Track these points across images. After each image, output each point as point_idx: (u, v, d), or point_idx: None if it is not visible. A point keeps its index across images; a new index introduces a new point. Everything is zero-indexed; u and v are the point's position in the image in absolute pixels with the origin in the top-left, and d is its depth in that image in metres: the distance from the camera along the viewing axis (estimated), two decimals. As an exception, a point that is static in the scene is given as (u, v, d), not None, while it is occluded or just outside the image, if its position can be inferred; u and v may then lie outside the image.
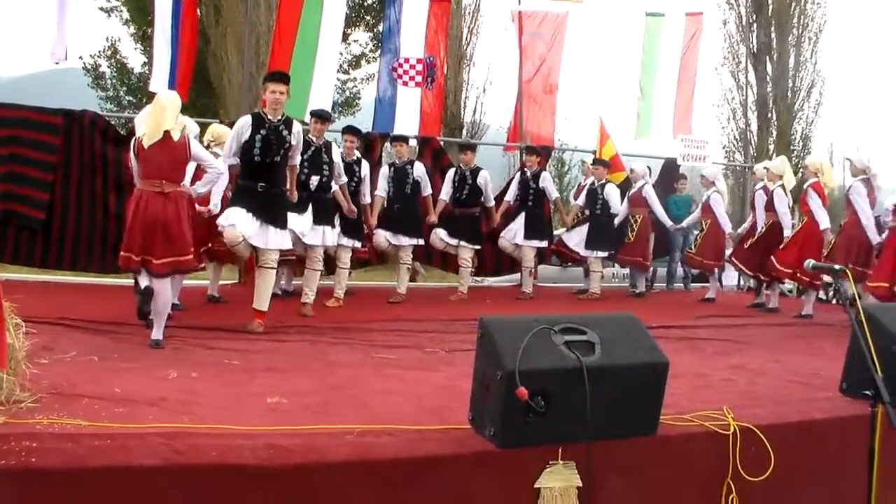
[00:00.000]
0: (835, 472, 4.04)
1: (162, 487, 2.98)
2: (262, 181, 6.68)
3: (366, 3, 24.36)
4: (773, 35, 23.61)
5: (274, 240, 6.77)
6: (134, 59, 23.96)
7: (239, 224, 6.50)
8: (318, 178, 7.67)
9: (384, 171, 9.29)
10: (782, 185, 9.44)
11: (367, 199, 8.88)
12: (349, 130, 8.95)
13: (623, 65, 13.72)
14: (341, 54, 21.87)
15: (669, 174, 12.01)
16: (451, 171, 9.89)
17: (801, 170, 9.79)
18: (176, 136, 5.85)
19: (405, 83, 11.61)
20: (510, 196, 10.25)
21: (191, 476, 3.01)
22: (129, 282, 7.64)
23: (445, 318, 7.91)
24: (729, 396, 4.45)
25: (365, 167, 8.77)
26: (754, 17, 23.54)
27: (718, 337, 7.37)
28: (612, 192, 10.20)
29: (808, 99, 24.07)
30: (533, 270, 10.53)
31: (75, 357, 4.94)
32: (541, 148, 11.95)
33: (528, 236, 9.99)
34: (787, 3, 23.36)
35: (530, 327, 3.37)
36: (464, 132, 22.41)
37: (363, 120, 13.67)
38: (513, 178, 10.74)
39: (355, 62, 25.41)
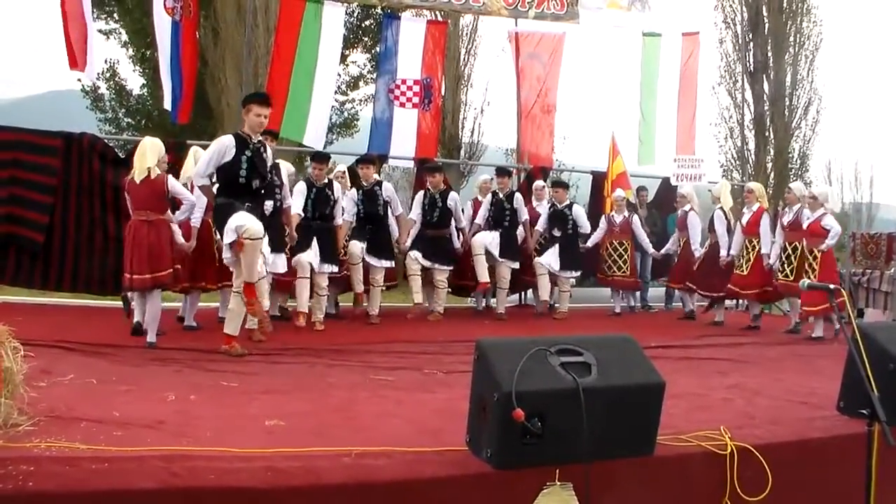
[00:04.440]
0: (832, 490, 4.04)
1: (160, 511, 2.98)
2: (246, 201, 6.59)
3: (364, 25, 24.45)
4: (769, 53, 23.70)
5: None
6: (133, 80, 24.05)
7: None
8: (271, 202, 7.44)
9: (352, 194, 9.17)
10: (721, 208, 10.17)
11: (339, 221, 8.76)
12: (316, 157, 8.82)
13: (622, 84, 13.72)
14: (339, 76, 21.93)
15: (668, 193, 12.03)
16: (420, 194, 9.83)
17: (786, 191, 9.96)
18: (154, 175, 6.99)
19: (402, 104, 11.66)
20: (480, 219, 10.19)
21: (189, 499, 3.01)
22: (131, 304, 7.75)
23: (443, 339, 7.91)
24: (726, 416, 4.46)
25: (337, 189, 8.68)
26: (751, 35, 23.62)
27: (717, 356, 7.37)
28: (580, 213, 10.29)
29: (806, 117, 24.17)
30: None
31: (73, 380, 4.94)
32: (539, 168, 12.03)
33: (503, 255, 9.97)
34: (783, 22, 23.48)
35: (527, 349, 3.38)
36: (462, 153, 22.43)
37: (361, 141, 13.72)
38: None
39: (353, 83, 25.45)
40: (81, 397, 4.40)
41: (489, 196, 10.29)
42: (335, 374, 5.91)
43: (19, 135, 9.46)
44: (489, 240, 9.95)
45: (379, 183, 9.30)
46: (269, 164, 6.89)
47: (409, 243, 9.60)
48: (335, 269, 8.71)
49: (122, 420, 3.84)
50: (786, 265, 9.17)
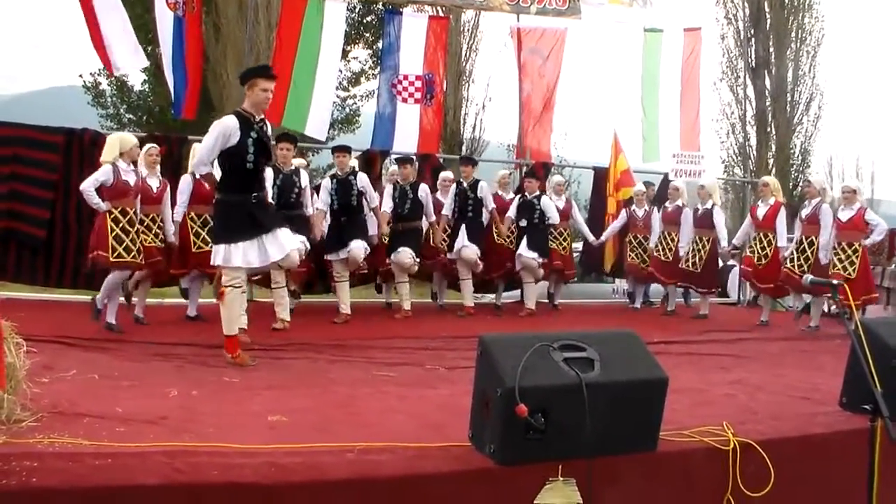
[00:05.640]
0: (835, 486, 4.04)
1: (163, 506, 2.98)
2: (253, 191, 6.00)
3: (365, 21, 24.41)
4: (771, 49, 23.70)
5: (273, 251, 6.06)
6: (134, 76, 23.89)
7: (244, 268, 5.97)
8: None
9: (325, 183, 8.91)
10: (714, 204, 10.30)
11: (310, 211, 8.57)
12: (284, 139, 8.52)
13: (624, 81, 13.70)
14: (341, 71, 21.89)
15: (668, 189, 11.99)
16: (390, 187, 9.65)
17: (801, 186, 9.99)
18: None
19: (404, 100, 11.66)
20: (447, 210, 10.03)
21: (192, 495, 3.01)
22: (132, 299, 7.92)
23: (446, 334, 7.91)
24: (729, 412, 4.45)
25: (304, 177, 8.52)
26: (752, 31, 23.63)
27: (719, 352, 7.38)
28: (548, 204, 10.16)
29: (807, 112, 24.19)
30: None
31: (76, 376, 4.95)
32: (541, 164, 12.01)
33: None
34: (784, 17, 23.48)
35: (530, 344, 3.38)
36: (463, 149, 22.44)
37: (362, 137, 13.72)
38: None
39: (355, 79, 25.41)
40: (84, 393, 4.41)
41: (453, 186, 10.16)
42: (337, 370, 5.92)
43: (20, 130, 9.46)
44: (470, 251, 9.88)
45: (354, 172, 8.98)
46: (271, 142, 6.36)
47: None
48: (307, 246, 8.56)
49: (124, 416, 3.84)
50: (801, 259, 9.18)
